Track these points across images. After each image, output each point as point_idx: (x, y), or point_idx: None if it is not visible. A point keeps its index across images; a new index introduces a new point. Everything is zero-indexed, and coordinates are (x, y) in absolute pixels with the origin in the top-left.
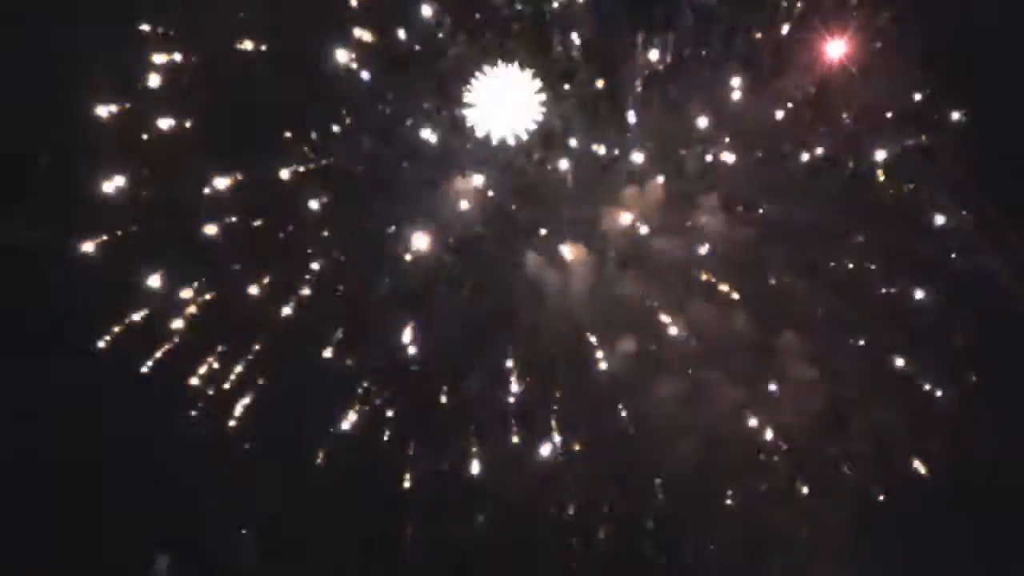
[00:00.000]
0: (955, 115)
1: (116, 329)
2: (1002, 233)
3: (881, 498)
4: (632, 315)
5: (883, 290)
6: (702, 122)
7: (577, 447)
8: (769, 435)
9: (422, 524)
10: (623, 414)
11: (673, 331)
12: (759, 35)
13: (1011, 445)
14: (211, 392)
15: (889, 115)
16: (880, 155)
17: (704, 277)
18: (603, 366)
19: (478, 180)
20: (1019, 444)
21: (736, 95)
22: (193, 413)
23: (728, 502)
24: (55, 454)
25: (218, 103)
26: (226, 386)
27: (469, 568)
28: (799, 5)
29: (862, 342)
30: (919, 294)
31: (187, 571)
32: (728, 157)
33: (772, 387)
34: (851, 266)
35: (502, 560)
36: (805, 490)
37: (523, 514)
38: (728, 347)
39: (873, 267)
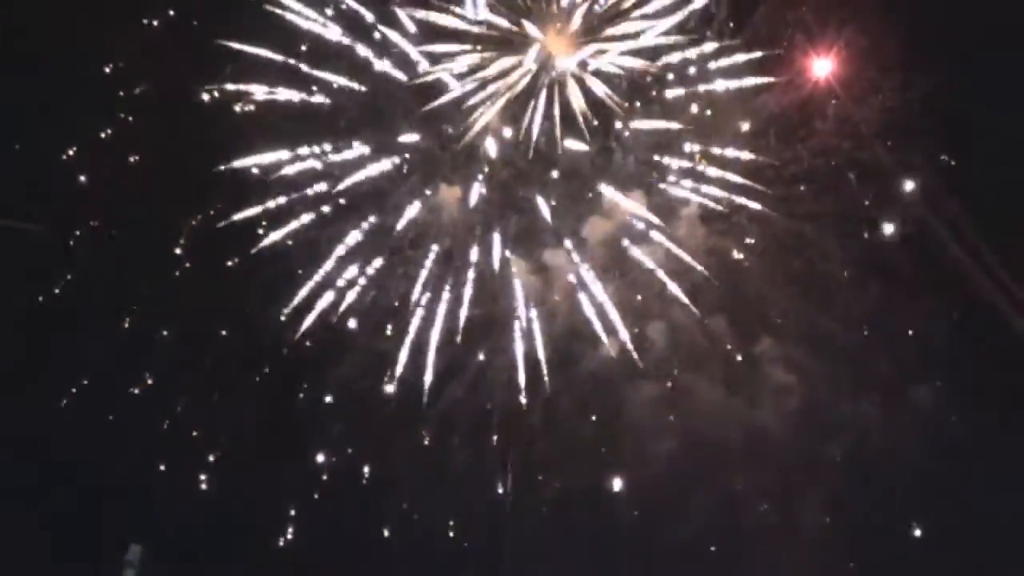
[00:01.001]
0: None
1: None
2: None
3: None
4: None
5: (859, 297)
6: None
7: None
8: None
9: None
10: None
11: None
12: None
13: (989, 447)
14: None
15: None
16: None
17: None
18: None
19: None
20: (998, 445)
21: (719, 108)
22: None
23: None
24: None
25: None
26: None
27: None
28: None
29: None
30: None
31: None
32: (708, 169)
33: (749, 390)
34: (828, 274)
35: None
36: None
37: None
38: (706, 352)
39: (849, 275)
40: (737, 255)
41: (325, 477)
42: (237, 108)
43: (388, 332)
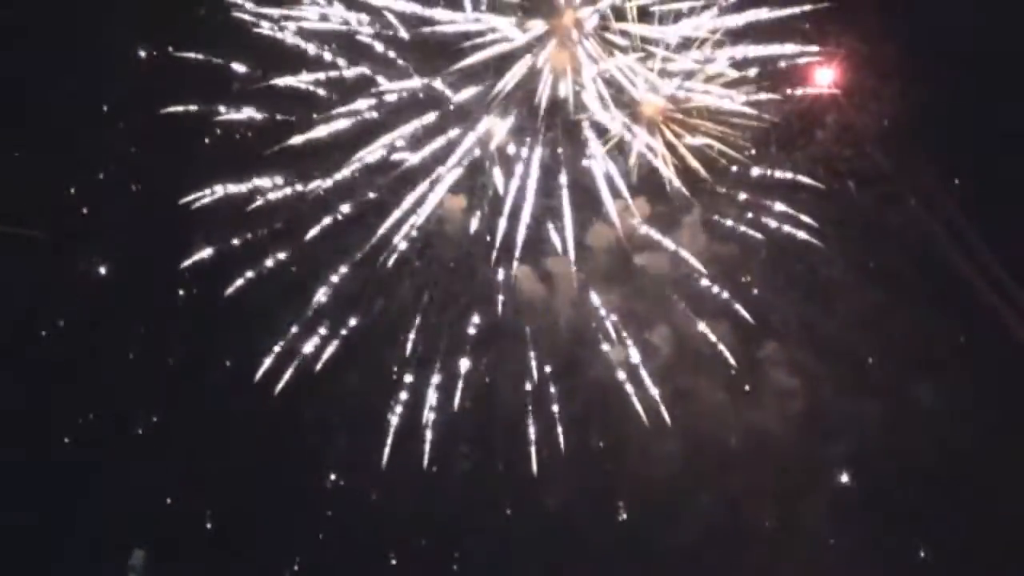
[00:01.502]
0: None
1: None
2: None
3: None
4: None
5: (861, 301)
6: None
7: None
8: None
9: None
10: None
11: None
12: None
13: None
14: None
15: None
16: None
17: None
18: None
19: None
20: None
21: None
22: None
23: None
24: None
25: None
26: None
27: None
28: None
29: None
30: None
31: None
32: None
33: (753, 395)
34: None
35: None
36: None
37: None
38: (709, 358)
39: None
40: (739, 261)
41: (330, 512)
42: (238, 135)
43: (392, 344)
